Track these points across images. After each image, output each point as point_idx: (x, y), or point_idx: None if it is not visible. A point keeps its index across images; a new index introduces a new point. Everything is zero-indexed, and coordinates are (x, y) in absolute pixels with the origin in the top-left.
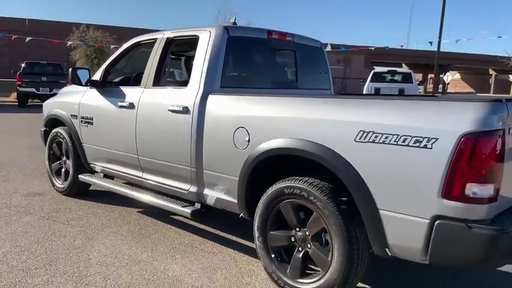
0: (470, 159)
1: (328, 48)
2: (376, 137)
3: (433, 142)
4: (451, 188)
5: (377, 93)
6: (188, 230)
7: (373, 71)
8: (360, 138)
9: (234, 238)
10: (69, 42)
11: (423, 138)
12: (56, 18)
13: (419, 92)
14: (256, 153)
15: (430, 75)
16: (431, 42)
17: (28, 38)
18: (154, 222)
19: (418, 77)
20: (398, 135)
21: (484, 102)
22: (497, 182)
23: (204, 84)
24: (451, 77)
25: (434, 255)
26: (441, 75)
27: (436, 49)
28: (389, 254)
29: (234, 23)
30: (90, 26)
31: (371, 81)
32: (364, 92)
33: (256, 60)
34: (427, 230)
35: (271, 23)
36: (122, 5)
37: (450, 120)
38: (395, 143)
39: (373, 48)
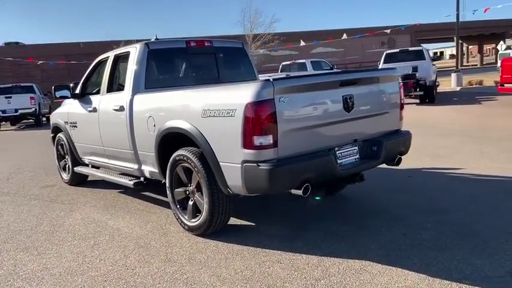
0: (252, 119)
1: (345, 37)
2: (210, 112)
3: (234, 112)
4: (246, 141)
5: None
6: (147, 200)
7: (385, 53)
8: (203, 115)
9: None
10: None
11: (230, 110)
12: (107, 38)
13: (434, 69)
14: (157, 134)
15: (488, 46)
16: (450, 16)
17: (73, 62)
18: (126, 197)
19: (473, 49)
20: (219, 109)
21: (258, 82)
22: (274, 134)
23: (132, 88)
24: (504, 45)
25: (248, 188)
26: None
27: (491, 18)
28: (231, 192)
29: (157, 38)
30: (128, 42)
31: (384, 62)
32: None
33: (178, 65)
34: (241, 171)
35: (298, 15)
36: (157, 17)
37: (241, 96)
38: (219, 115)
39: (400, 28)
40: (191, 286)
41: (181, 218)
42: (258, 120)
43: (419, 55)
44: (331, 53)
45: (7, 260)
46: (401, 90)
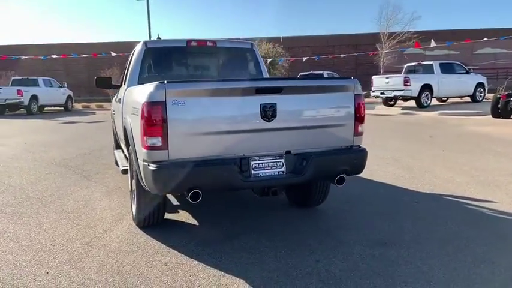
0: (146, 120)
1: (433, 44)
2: (133, 110)
3: (138, 111)
4: (143, 140)
5: None
6: None
7: None
8: (131, 112)
9: None
10: None
11: (137, 109)
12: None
13: None
14: (122, 127)
15: None
16: None
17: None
18: None
19: None
20: (135, 107)
21: (153, 84)
22: (163, 136)
23: (128, 82)
24: None
25: (149, 187)
26: None
27: None
28: (146, 188)
29: (158, 37)
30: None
31: None
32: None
33: (175, 63)
34: (143, 169)
35: (443, 11)
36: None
37: (143, 96)
38: (135, 113)
39: None
40: (71, 270)
41: (132, 207)
42: (150, 121)
43: None
44: (500, 55)
45: None
46: (360, 102)
